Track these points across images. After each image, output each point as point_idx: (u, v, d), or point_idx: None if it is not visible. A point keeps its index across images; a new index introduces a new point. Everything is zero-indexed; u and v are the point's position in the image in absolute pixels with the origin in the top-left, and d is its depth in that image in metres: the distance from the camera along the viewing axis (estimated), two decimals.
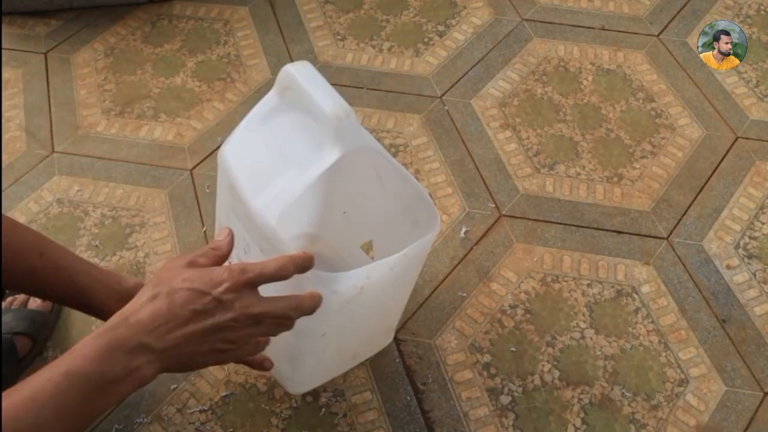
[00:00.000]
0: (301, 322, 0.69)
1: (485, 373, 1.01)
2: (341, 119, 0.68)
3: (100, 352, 0.55)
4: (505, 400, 0.99)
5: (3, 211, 1.17)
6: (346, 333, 0.86)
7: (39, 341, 1.01)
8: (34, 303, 1.04)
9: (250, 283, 0.62)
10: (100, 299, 0.80)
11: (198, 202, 1.19)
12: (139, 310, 0.59)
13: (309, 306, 0.67)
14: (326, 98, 0.70)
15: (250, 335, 0.63)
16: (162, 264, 1.12)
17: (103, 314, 0.81)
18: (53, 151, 1.26)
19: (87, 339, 0.57)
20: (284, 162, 0.73)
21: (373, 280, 0.74)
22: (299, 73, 0.71)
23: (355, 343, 0.94)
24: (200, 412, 0.97)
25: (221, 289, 0.60)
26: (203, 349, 0.61)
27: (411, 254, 0.75)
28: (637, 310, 1.08)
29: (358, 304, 0.77)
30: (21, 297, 1.04)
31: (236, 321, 0.61)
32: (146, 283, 0.62)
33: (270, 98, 0.75)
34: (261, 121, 0.75)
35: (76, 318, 1.06)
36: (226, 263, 0.67)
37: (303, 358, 0.86)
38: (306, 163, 0.71)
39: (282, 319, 0.65)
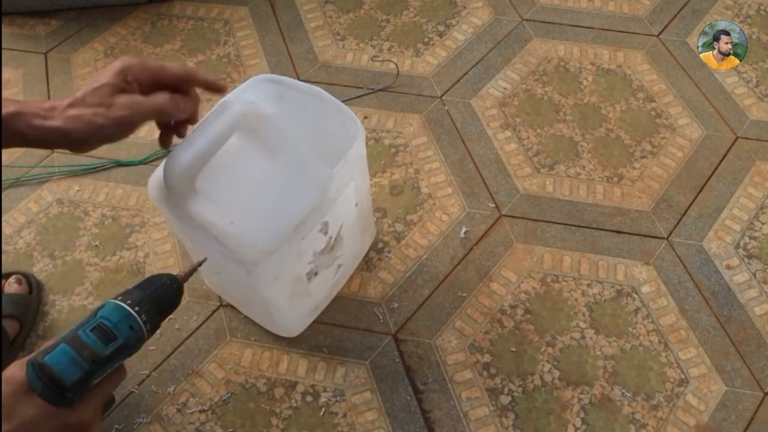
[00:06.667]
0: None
1: (485, 373, 1.01)
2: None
3: None
4: (505, 400, 0.99)
5: (3, 211, 1.17)
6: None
7: (26, 324, 1.02)
8: (11, 288, 1.04)
9: None
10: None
11: None
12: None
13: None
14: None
15: None
16: (160, 265, 1.12)
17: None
18: (53, 151, 1.26)
19: None
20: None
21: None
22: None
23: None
24: (200, 412, 0.97)
25: None
26: None
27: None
28: (637, 310, 1.08)
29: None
30: None
31: None
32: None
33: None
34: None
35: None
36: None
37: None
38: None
39: None
